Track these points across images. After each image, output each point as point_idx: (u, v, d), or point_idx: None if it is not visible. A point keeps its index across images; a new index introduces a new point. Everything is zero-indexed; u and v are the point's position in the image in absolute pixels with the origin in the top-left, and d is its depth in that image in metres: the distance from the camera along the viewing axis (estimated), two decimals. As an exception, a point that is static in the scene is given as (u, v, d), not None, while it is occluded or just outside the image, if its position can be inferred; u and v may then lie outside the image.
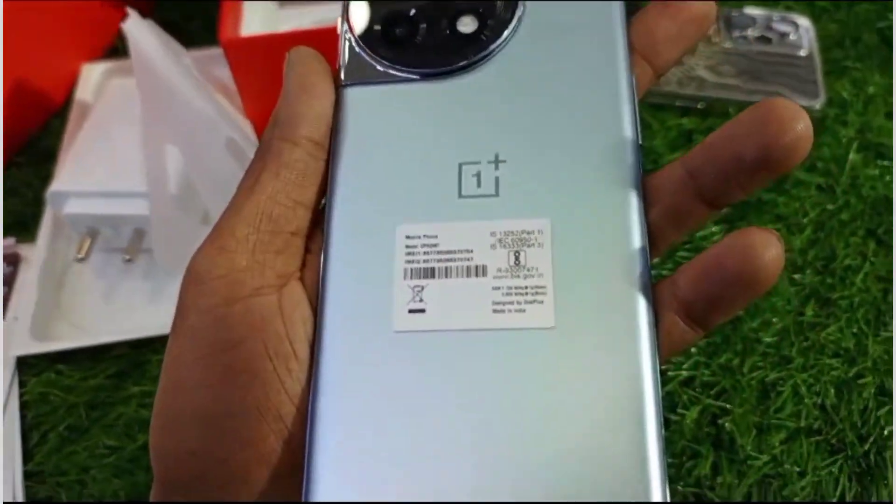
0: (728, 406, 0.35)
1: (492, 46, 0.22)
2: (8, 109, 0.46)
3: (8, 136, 0.46)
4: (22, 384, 0.37)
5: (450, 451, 0.19)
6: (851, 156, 0.44)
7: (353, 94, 0.22)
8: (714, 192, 0.20)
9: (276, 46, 0.41)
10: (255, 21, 0.43)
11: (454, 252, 0.20)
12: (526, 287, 0.20)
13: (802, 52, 0.48)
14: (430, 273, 0.20)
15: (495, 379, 0.19)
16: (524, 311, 0.19)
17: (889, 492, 0.33)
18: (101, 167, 0.41)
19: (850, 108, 0.46)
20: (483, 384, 0.19)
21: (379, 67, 0.22)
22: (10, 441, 0.35)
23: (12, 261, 0.42)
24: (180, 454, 0.20)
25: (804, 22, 0.50)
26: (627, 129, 0.21)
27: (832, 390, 0.36)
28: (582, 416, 0.18)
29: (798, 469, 0.34)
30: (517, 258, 0.20)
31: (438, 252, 0.20)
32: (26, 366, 0.38)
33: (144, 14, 0.45)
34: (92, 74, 0.50)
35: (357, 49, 0.23)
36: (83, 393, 0.37)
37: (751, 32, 0.49)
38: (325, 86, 0.22)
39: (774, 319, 0.38)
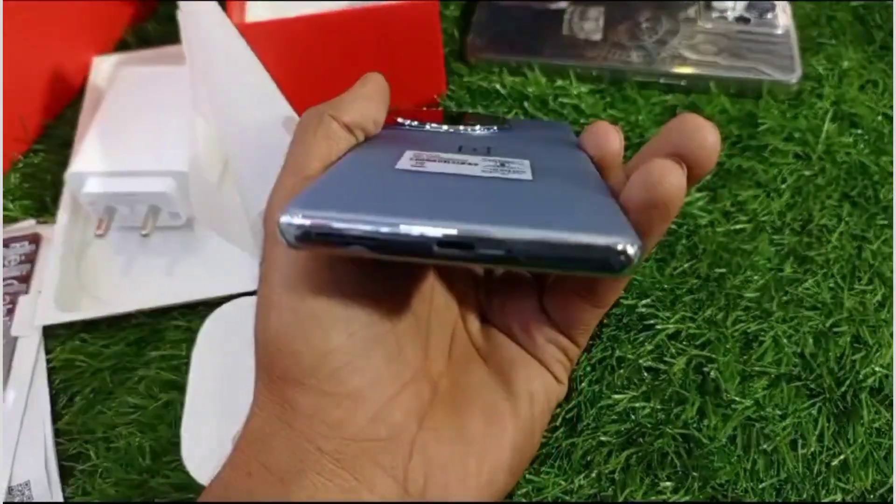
0: (713, 355, 0.37)
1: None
2: (26, 99, 0.48)
3: (27, 124, 0.49)
4: (48, 352, 0.39)
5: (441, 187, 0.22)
6: (826, 126, 0.46)
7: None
8: None
9: (278, 32, 0.44)
10: (258, 9, 0.45)
11: (452, 159, 0.25)
12: (510, 171, 0.24)
13: (779, 31, 0.51)
14: (431, 159, 0.24)
15: (483, 194, 0.22)
16: (509, 176, 0.24)
17: (864, 430, 0.35)
18: (115, 150, 0.43)
19: (825, 81, 0.49)
20: (472, 195, 0.22)
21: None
22: (40, 403, 0.37)
23: (34, 240, 0.44)
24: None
25: (781, 2, 0.52)
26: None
27: (810, 340, 0.38)
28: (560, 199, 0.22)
29: (780, 412, 0.36)
30: (503, 165, 0.24)
31: (440, 159, 0.25)
32: (52, 336, 0.40)
33: (150, 7, 0.48)
34: (103, 66, 0.52)
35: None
36: (107, 358, 0.39)
37: (730, 13, 0.52)
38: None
39: (755, 276, 0.40)
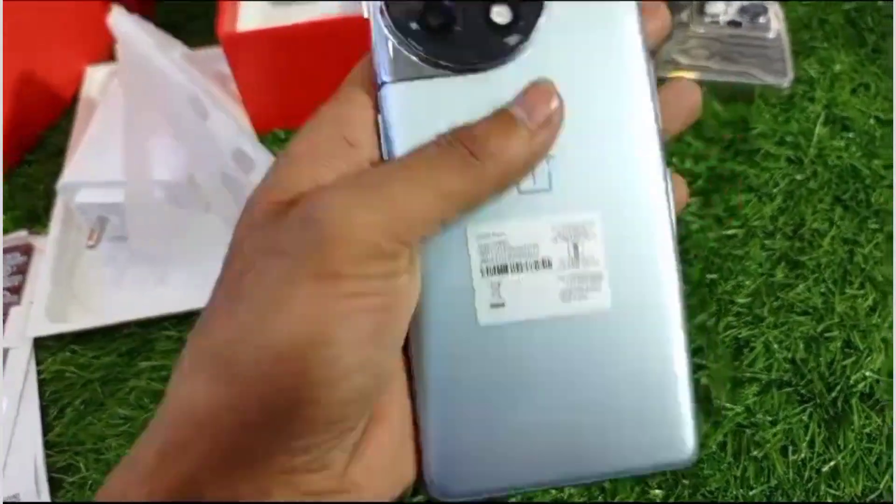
0: (704, 362, 0.37)
1: (523, 42, 0.22)
2: (19, 110, 0.49)
3: (20, 135, 0.49)
4: (39, 363, 0.40)
5: (542, 433, 0.23)
6: (818, 129, 0.46)
7: (398, 91, 0.22)
8: None
9: (269, 40, 0.44)
10: (250, 18, 0.45)
11: (522, 248, 0.23)
12: (585, 275, 0.23)
13: (771, 35, 0.51)
14: (503, 269, 0.23)
15: (569, 360, 0.23)
16: (586, 297, 0.23)
17: (855, 435, 0.35)
18: (108, 160, 0.43)
19: (816, 85, 0.49)
20: (560, 366, 0.23)
21: (420, 63, 0.22)
22: (30, 415, 0.37)
23: (26, 251, 0.44)
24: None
25: (773, 6, 0.52)
26: (651, 118, 0.23)
27: (801, 345, 0.38)
28: (633, 387, 0.23)
29: (770, 418, 0.36)
30: (576, 249, 0.23)
31: (508, 248, 0.23)
32: (43, 347, 0.40)
33: (147, 16, 0.48)
34: (97, 75, 0.52)
35: (398, 47, 0.22)
36: (97, 370, 0.39)
37: (722, 17, 0.52)
38: None
39: (747, 282, 0.40)
